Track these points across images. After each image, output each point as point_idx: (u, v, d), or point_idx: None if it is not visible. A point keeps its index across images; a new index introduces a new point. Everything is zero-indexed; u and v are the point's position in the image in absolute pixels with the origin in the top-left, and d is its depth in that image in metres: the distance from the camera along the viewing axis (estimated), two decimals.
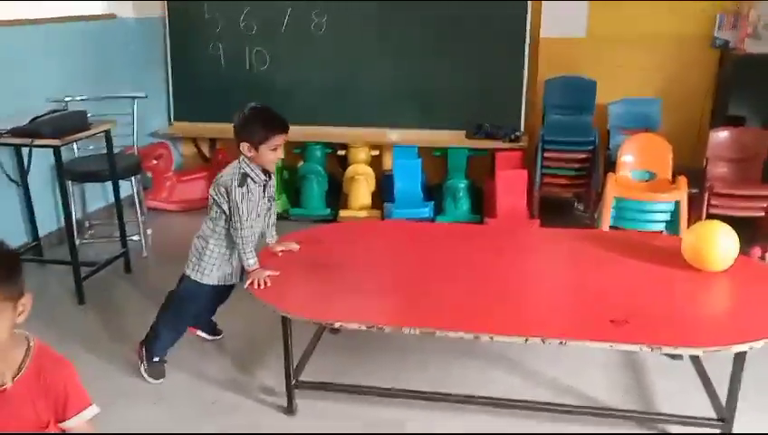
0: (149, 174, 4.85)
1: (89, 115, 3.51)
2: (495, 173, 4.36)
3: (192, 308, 2.77)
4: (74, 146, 3.97)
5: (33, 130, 3.20)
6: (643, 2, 4.49)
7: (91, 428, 1.57)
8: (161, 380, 2.73)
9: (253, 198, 2.54)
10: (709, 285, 2.48)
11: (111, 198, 3.98)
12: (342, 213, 4.61)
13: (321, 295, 2.48)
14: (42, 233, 3.96)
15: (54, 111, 3.44)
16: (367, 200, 4.64)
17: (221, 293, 2.80)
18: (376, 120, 4.89)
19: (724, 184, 3.89)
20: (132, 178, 4.06)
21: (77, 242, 3.56)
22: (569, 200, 4.80)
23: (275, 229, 2.81)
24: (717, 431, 2.34)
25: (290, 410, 2.54)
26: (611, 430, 2.42)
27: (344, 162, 4.79)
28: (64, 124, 3.31)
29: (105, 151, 3.64)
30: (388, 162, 4.88)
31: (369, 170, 4.68)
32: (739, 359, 2.22)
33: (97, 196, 4.50)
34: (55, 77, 4.09)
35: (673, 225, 3.72)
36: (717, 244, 2.47)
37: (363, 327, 2.27)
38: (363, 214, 4.57)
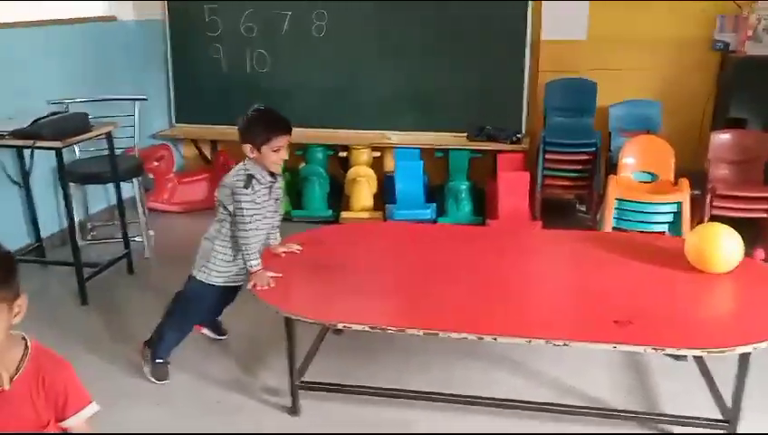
0: (151, 176, 4.85)
1: (90, 117, 3.51)
2: (497, 175, 4.36)
3: (198, 309, 2.78)
4: (76, 148, 3.97)
5: (34, 132, 3.19)
6: (643, 3, 4.50)
7: (91, 427, 1.57)
8: (165, 381, 2.73)
9: (258, 199, 2.54)
10: (712, 286, 2.48)
11: (113, 200, 3.99)
12: (344, 214, 4.61)
13: (324, 297, 2.48)
14: (44, 234, 3.97)
15: (55, 113, 3.43)
16: (368, 202, 4.64)
17: (227, 293, 2.80)
18: (377, 122, 4.89)
19: (726, 186, 3.89)
20: (134, 180, 4.07)
21: (79, 243, 3.56)
22: (571, 202, 4.81)
23: (278, 231, 2.81)
24: (722, 432, 2.34)
25: (293, 410, 2.54)
26: (614, 431, 2.41)
27: (346, 164, 4.79)
28: (66, 126, 3.30)
29: (107, 153, 3.64)
30: (389, 164, 4.88)
31: (371, 172, 4.68)
32: (743, 360, 2.22)
33: (99, 197, 4.50)
34: (56, 79, 4.09)
35: (675, 226, 3.72)
36: (721, 246, 2.47)
37: (367, 328, 2.27)
38: (365, 215, 4.57)
